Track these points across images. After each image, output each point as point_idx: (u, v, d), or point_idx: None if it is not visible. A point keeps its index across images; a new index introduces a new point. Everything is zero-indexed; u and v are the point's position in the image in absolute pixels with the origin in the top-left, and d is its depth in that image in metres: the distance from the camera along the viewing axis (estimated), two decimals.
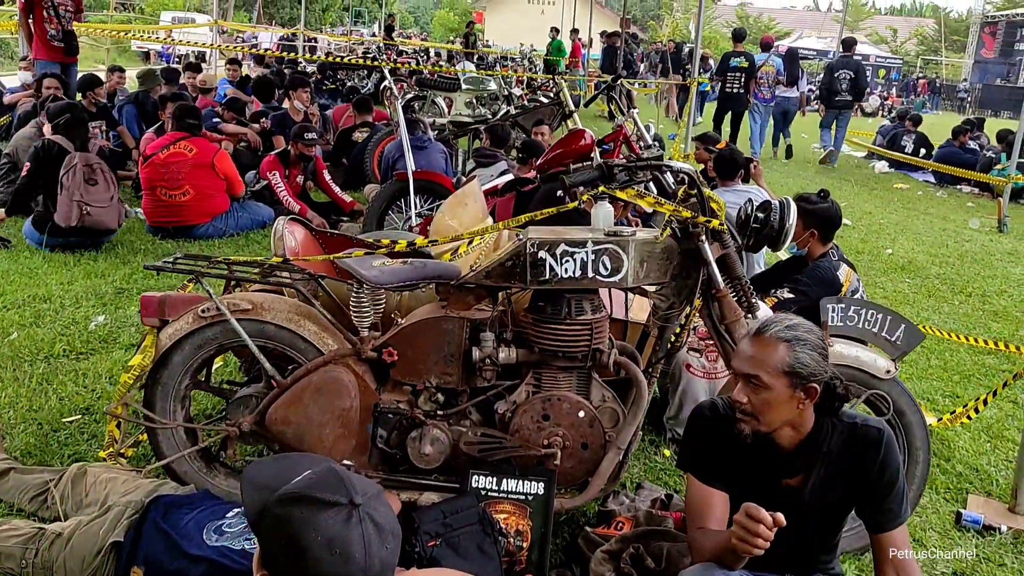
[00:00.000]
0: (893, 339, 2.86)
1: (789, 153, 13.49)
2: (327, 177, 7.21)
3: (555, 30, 20.10)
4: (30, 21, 7.77)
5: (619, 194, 2.65)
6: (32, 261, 5.38)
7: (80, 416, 3.48)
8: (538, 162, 5.63)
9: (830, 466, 2.26)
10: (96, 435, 3.33)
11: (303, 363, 2.81)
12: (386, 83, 13.47)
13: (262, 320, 2.80)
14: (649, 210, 3.92)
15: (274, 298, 2.88)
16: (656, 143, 5.44)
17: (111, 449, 2.91)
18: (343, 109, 9.92)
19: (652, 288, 2.84)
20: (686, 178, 2.67)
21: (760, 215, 2.77)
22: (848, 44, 13.50)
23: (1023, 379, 3.40)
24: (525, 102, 11.75)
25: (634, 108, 5.88)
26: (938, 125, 18.59)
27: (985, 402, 3.50)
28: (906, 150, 13.33)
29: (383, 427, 2.83)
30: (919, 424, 2.83)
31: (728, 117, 12.66)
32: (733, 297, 2.75)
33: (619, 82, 6.75)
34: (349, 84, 13.37)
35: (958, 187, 11.93)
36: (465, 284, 2.80)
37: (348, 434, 2.79)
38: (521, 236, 2.70)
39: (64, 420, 3.43)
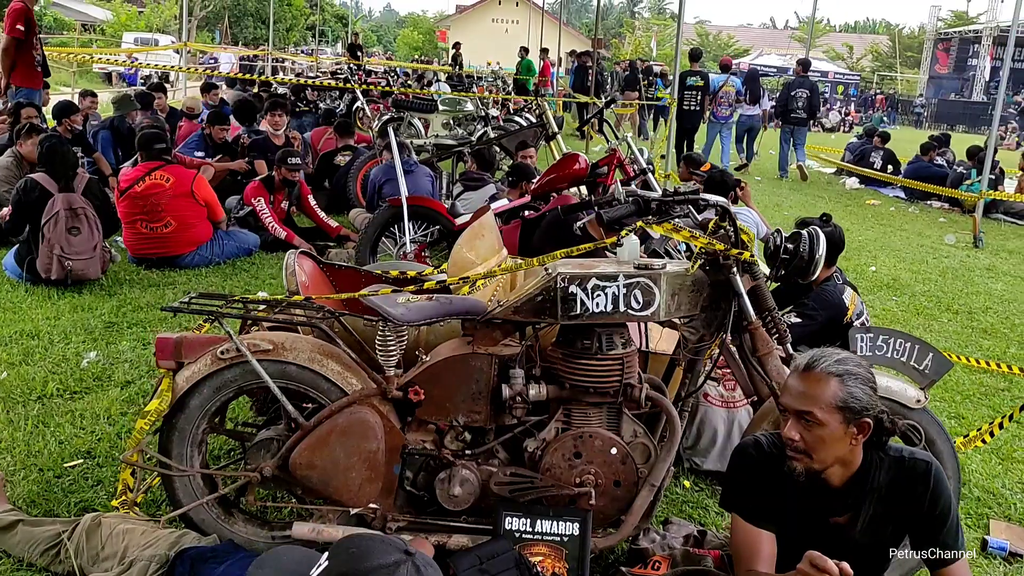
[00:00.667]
0: (921, 368, 2.85)
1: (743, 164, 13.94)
2: (312, 202, 7.11)
3: (524, 50, 20.17)
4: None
5: (656, 228, 2.61)
6: (15, 295, 5.21)
7: (82, 460, 3.35)
8: (532, 187, 5.61)
9: (879, 502, 2.24)
10: (101, 481, 3.21)
11: (325, 404, 2.73)
12: (359, 104, 13.44)
13: (284, 361, 2.71)
14: (656, 235, 3.90)
15: (295, 337, 2.79)
16: (650, 166, 5.44)
17: (124, 498, 2.80)
18: (321, 131, 9.82)
19: (681, 321, 2.81)
20: (718, 210, 2.65)
21: (790, 246, 2.75)
22: (804, 65, 14.12)
23: None
24: (501, 122, 11.75)
25: (628, 134, 5.87)
26: (899, 140, 18.89)
27: (1001, 425, 3.52)
28: (875, 166, 13.53)
29: (410, 468, 2.76)
30: (950, 454, 2.82)
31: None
32: (763, 329, 2.73)
33: (612, 106, 6.76)
34: (325, 107, 13.25)
35: (928, 202, 12.12)
36: (492, 319, 2.75)
37: (375, 477, 2.71)
38: (550, 270, 2.66)
39: (65, 465, 3.30)
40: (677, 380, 3.02)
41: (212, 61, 27.46)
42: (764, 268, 2.89)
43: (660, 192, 5.09)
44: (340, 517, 2.76)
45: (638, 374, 2.77)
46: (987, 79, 38.28)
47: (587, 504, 2.69)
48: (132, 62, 19.90)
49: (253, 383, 2.74)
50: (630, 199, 2.70)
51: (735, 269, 2.65)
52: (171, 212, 6.06)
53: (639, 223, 2.62)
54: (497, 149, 8.49)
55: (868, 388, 2.13)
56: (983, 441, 3.60)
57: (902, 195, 12.67)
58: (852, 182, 13.59)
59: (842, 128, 28.84)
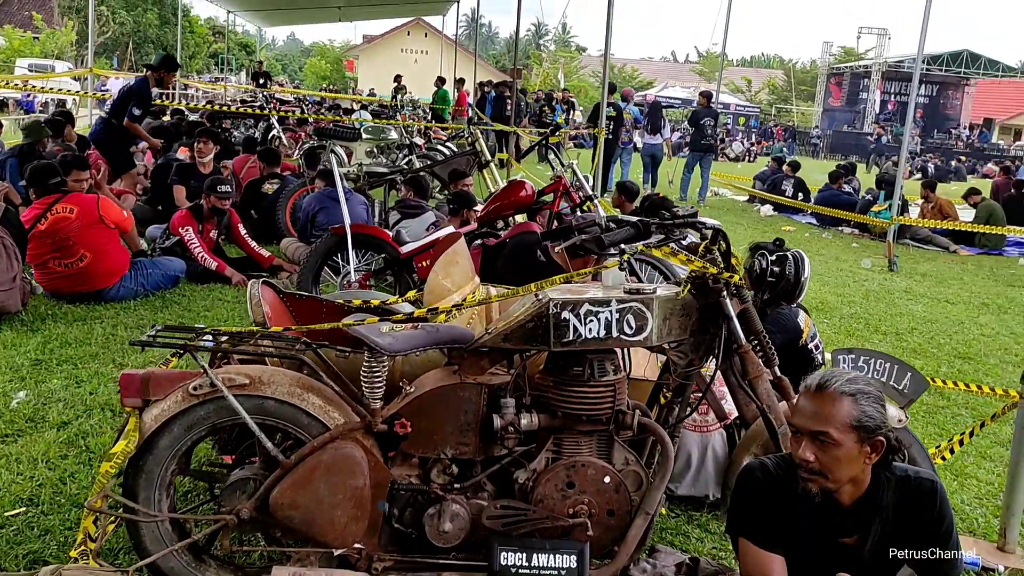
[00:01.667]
0: (900, 387, 2.90)
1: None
2: (243, 231, 6.88)
3: (441, 79, 20.21)
4: None
5: (655, 252, 2.59)
6: None
7: (25, 508, 3.10)
8: (479, 214, 5.56)
9: (887, 522, 2.24)
10: (49, 530, 2.97)
11: (304, 440, 2.60)
12: (274, 132, 13.18)
13: (262, 395, 2.57)
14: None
15: (273, 371, 2.65)
16: (595, 193, 5.47)
17: (84, 547, 2.59)
18: (243, 160, 9.54)
19: (670, 345, 2.78)
20: (709, 233, 2.64)
21: (776, 268, 2.76)
22: (707, 96, 15.27)
23: (1000, 419, 3.52)
24: (425, 151, 11.68)
25: (574, 161, 5.89)
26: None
27: (961, 442, 3.61)
28: (786, 194, 14.00)
29: (397, 504, 2.65)
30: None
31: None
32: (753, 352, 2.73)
33: (559, 132, 6.79)
34: (240, 135, 12.94)
35: (840, 228, 12.58)
36: (479, 348, 2.68)
37: (361, 515, 2.58)
38: (540, 296, 2.60)
39: (7, 514, 3.04)
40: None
41: (103, 88, 26.57)
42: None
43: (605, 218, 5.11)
44: (322, 559, 2.62)
45: (628, 401, 2.73)
46: (877, 111, 40.29)
47: (583, 535, 2.62)
48: (30, 87, 19.01)
49: (228, 420, 2.59)
50: (629, 223, 2.67)
51: (725, 292, 2.65)
52: (84, 244, 5.65)
53: (639, 246, 2.60)
54: (428, 177, 8.41)
55: (880, 407, 2.14)
56: (943, 458, 3.69)
57: (814, 221, 13.13)
58: (766, 209, 14.02)
59: (747, 158, 29.82)
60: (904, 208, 11.69)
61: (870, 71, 41.30)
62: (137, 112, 7.83)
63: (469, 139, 8.69)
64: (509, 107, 15.37)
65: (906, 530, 2.23)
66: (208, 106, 16.92)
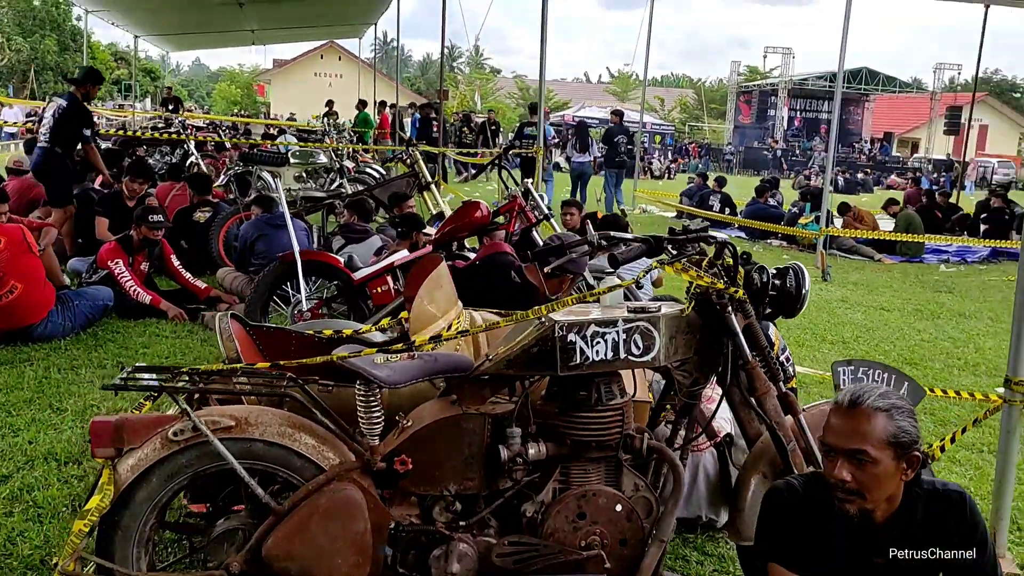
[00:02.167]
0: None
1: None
2: (176, 262, 6.55)
3: (362, 103, 19.97)
4: None
5: (667, 269, 2.50)
6: None
7: None
8: (435, 236, 5.42)
9: (918, 538, 2.18)
10: None
11: (296, 483, 2.41)
12: (192, 159, 12.78)
13: (249, 438, 2.38)
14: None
15: (259, 410, 2.46)
16: (549, 211, 5.39)
17: None
18: (168, 187, 9.15)
19: (674, 364, 2.69)
20: (716, 247, 2.57)
21: (777, 282, 2.71)
22: (619, 115, 15.83)
23: (981, 424, 3.54)
24: (354, 175, 11.46)
25: (529, 181, 5.79)
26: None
27: (943, 448, 3.62)
28: (714, 209, 14.24)
29: (399, 547, 2.47)
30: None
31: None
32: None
33: (510, 152, 6.70)
34: (161, 161, 12.50)
35: (768, 241, 12.83)
36: (480, 376, 2.54)
37: (363, 561, 2.40)
38: (544, 319, 2.48)
39: None
40: None
41: None
42: None
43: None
44: None
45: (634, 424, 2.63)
46: (785, 127, 41.63)
47: (599, 568, 2.49)
48: None
49: (212, 466, 2.38)
50: (639, 239, 2.59)
51: (730, 308, 2.58)
52: (15, 273, 5.30)
53: (653, 262, 2.50)
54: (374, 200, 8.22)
55: (913, 420, 2.08)
56: None
57: (743, 235, 13.36)
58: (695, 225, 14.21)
59: (667, 175, 30.37)
60: (830, 219, 12.00)
61: (777, 89, 42.69)
62: (88, 133, 7.44)
63: (408, 160, 8.53)
64: (435, 129, 15.27)
65: (939, 542, 2.17)
66: (120, 132, 16.29)
